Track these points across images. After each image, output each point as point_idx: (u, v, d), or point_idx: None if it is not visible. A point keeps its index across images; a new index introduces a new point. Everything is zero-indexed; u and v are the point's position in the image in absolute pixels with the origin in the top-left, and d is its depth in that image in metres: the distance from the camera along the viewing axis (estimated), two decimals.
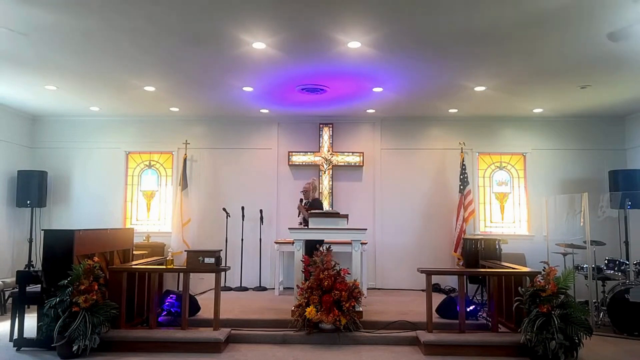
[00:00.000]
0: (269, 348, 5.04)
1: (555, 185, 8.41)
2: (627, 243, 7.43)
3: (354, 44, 5.12)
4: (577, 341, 4.61)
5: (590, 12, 4.33)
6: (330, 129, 8.56)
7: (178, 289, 7.26)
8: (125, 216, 8.63)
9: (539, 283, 4.85)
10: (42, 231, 5.14)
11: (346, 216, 6.17)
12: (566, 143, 8.49)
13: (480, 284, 6.85)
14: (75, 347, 4.57)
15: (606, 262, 6.41)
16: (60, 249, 4.92)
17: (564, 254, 6.78)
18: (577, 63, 5.69)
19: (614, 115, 8.23)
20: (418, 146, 8.63)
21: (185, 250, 6.45)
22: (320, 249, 5.68)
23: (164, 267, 5.81)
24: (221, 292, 5.44)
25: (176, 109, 8.12)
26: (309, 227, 6.05)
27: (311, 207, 6.84)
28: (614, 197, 7.38)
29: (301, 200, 7.12)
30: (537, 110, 8.00)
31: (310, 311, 5.16)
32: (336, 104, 7.68)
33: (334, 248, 5.92)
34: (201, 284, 8.04)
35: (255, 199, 8.45)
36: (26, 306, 5.37)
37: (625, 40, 4.88)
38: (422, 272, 5.38)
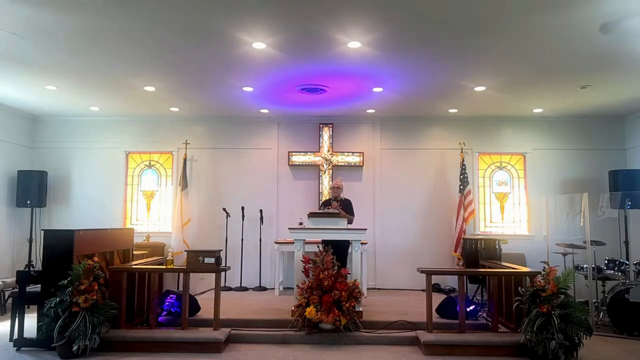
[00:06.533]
0: (269, 348, 5.04)
1: (555, 185, 8.40)
2: (627, 243, 7.43)
3: (354, 44, 5.12)
4: (577, 341, 4.61)
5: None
6: (330, 129, 8.55)
7: (178, 289, 7.26)
8: (125, 216, 8.63)
9: (539, 283, 4.85)
10: (42, 231, 5.13)
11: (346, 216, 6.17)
12: (566, 143, 8.49)
13: (480, 284, 6.85)
14: (75, 347, 4.57)
15: (606, 262, 6.41)
16: (60, 249, 4.92)
17: (564, 254, 6.78)
18: (577, 63, 5.68)
19: (614, 115, 8.23)
20: (418, 146, 8.63)
21: (185, 250, 6.44)
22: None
23: (164, 267, 5.81)
24: (221, 292, 5.43)
25: (176, 109, 8.12)
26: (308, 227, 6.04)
27: (345, 207, 6.56)
28: (614, 197, 7.38)
29: (327, 201, 6.77)
30: (537, 110, 8.00)
31: (310, 311, 5.15)
32: (336, 104, 7.68)
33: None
34: (201, 284, 8.05)
35: (255, 199, 8.45)
36: (26, 306, 5.37)
37: (613, 33, 4.75)
38: (422, 272, 5.38)
